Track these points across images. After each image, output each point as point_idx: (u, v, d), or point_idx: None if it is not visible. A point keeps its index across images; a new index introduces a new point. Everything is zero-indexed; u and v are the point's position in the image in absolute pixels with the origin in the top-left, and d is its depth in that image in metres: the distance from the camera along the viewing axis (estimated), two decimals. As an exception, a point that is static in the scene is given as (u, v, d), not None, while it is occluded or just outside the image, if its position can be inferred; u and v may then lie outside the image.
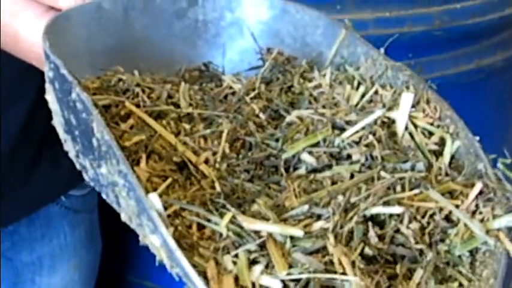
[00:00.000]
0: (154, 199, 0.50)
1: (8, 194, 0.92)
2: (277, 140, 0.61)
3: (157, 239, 0.50)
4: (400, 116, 0.63)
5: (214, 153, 0.59)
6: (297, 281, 0.50)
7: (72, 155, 0.59)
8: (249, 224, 0.51)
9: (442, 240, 0.55)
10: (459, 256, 0.55)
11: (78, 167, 0.60)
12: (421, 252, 0.54)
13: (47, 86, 0.59)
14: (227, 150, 0.59)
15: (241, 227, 0.51)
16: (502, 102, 1.27)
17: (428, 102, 0.63)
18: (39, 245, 0.98)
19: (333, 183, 0.58)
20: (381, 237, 0.54)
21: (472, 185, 0.57)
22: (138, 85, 0.62)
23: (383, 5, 1.08)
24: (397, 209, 0.54)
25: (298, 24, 0.71)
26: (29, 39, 0.63)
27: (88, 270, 1.05)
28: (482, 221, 0.55)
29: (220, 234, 0.51)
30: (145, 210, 0.50)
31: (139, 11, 0.67)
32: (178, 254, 0.48)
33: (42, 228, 0.97)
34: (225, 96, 0.66)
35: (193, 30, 0.70)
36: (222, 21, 0.71)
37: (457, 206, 0.56)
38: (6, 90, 0.88)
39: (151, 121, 0.59)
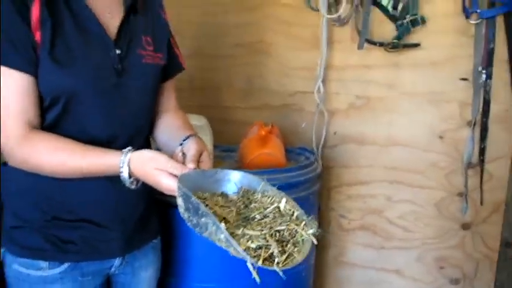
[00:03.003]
0: (222, 226, 0.86)
1: (137, 238, 1.18)
2: (249, 211, 0.96)
3: (223, 238, 0.85)
4: (282, 205, 0.97)
5: (232, 215, 0.94)
6: (260, 246, 0.88)
7: (185, 217, 0.91)
8: (247, 231, 0.90)
9: (294, 236, 0.92)
10: (298, 241, 0.91)
11: (185, 219, 0.90)
12: (289, 239, 0.91)
13: (178, 198, 0.92)
14: (235, 214, 0.94)
15: (245, 233, 0.90)
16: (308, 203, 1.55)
17: (289, 202, 0.98)
18: (142, 260, 1.23)
19: (265, 222, 0.93)
20: (279, 235, 0.92)
21: (303, 222, 0.94)
22: (207, 197, 0.98)
23: (273, 174, 1.45)
24: (283, 227, 0.92)
25: (249, 180, 1.02)
26: (166, 183, 0.96)
27: (157, 271, 1.29)
28: (306, 231, 0.92)
29: (238, 235, 0.89)
30: (219, 229, 0.86)
31: (201, 176, 0.99)
32: (232, 241, 0.84)
33: (143, 253, 1.23)
34: (230, 200, 0.99)
35: (218, 181, 1.02)
36: (226, 178, 1.02)
37: (298, 227, 0.92)
38: (144, 197, 1.18)
39: (214, 207, 0.95)
